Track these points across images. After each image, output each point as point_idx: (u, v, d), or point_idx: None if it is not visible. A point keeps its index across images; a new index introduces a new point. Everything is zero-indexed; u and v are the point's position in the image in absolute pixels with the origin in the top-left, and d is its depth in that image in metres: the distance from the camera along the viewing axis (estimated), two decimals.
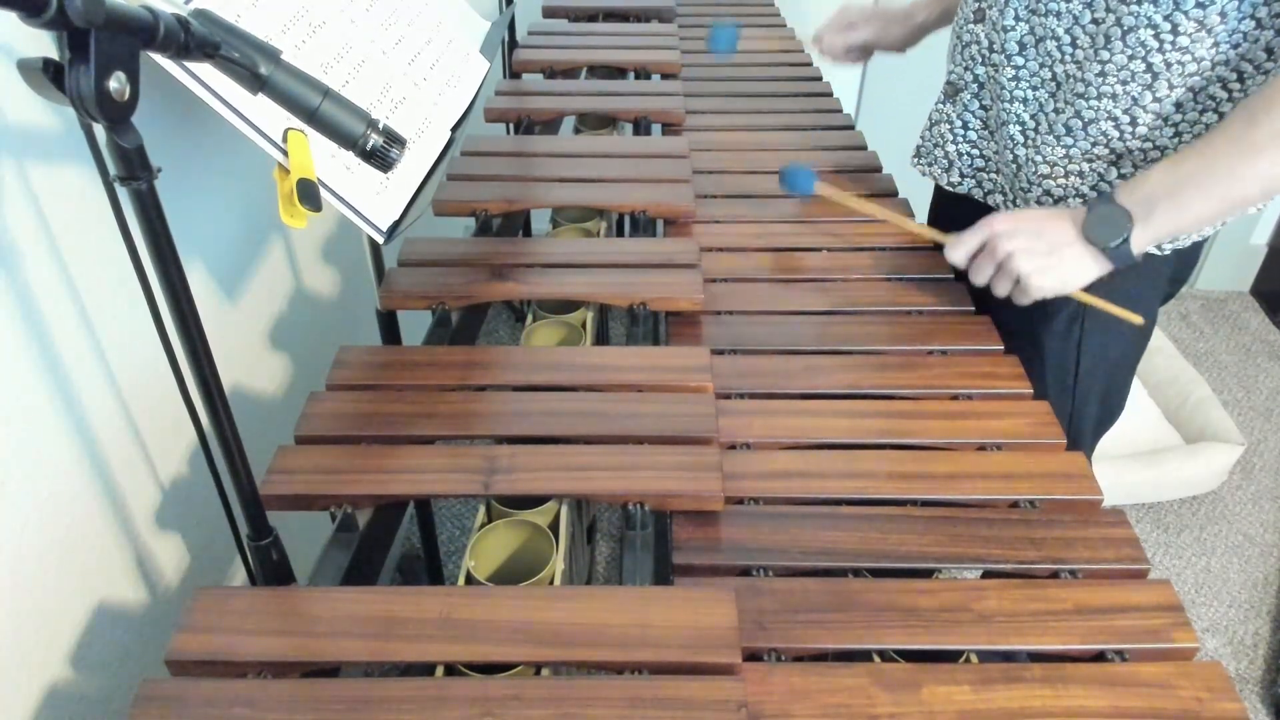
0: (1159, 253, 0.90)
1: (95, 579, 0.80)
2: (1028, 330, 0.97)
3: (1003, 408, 0.83)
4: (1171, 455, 1.81)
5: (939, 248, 0.92)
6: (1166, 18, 0.78)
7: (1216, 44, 0.78)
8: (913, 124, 1.17)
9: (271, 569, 0.67)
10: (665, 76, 1.52)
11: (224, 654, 0.59)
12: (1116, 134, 0.85)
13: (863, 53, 1.23)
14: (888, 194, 1.18)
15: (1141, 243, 0.80)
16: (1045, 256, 0.82)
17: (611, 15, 1.81)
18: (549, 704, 0.56)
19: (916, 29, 1.18)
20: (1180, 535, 1.79)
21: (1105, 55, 0.82)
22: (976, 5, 0.93)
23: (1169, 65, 0.80)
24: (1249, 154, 0.74)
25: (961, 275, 1.01)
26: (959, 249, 0.87)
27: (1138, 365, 1.05)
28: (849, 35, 1.21)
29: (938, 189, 1.09)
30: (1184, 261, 0.95)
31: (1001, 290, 0.86)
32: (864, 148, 1.30)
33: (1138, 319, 0.88)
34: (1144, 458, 1.80)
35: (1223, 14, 0.76)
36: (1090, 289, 0.92)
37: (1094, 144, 0.87)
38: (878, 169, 1.25)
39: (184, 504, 0.93)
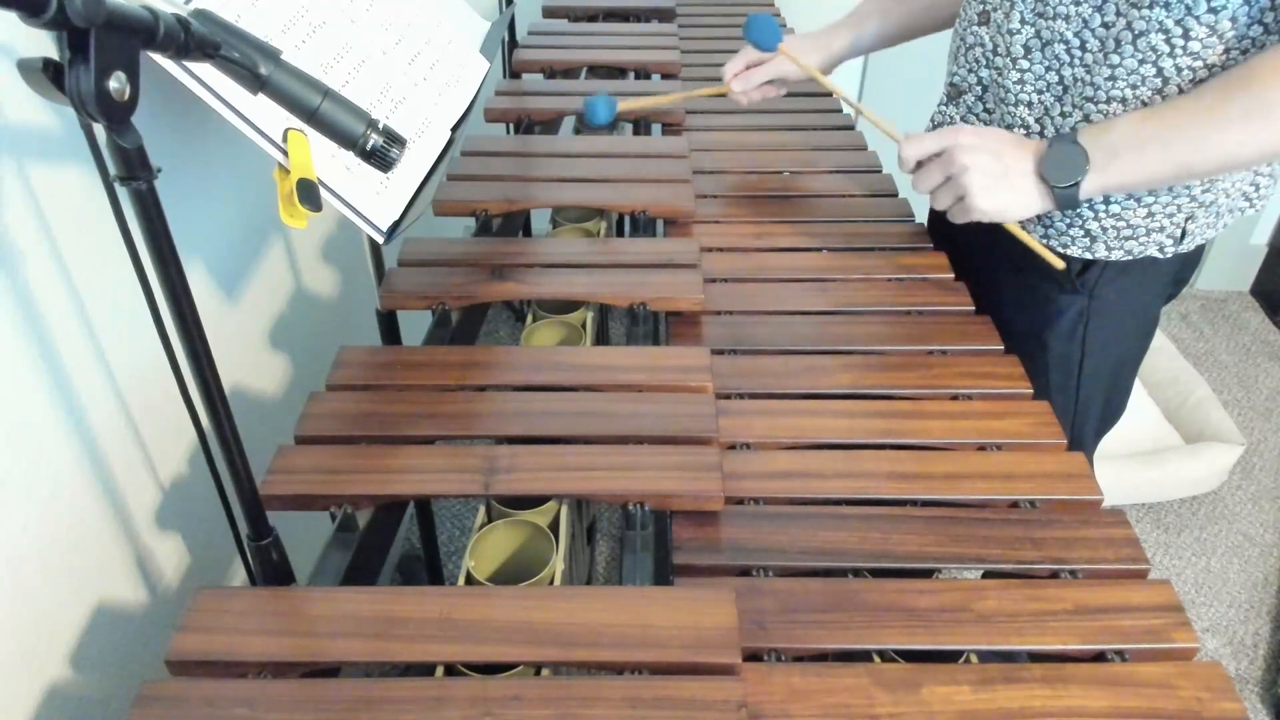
0: (1161, 255, 0.90)
1: (95, 579, 0.80)
2: (1032, 330, 0.97)
3: (1003, 408, 0.83)
4: (1171, 455, 1.81)
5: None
6: (1178, 22, 0.78)
7: (1226, 49, 0.77)
8: (913, 124, 1.16)
9: (271, 569, 0.67)
10: (665, 76, 1.53)
11: (224, 654, 0.59)
12: None
13: (774, 88, 1.17)
14: (888, 194, 1.18)
15: (1091, 189, 0.80)
16: (997, 179, 0.82)
17: (611, 15, 1.81)
18: (549, 704, 0.56)
19: (833, 56, 1.14)
20: (1180, 535, 1.79)
21: (1115, 59, 0.82)
22: (981, 7, 0.93)
23: (1179, 70, 0.80)
24: (1218, 126, 0.74)
25: (961, 275, 1.01)
26: (914, 146, 0.86)
27: (1139, 366, 1.05)
28: (755, 74, 1.14)
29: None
30: (1187, 262, 0.95)
31: (942, 202, 0.86)
32: (864, 148, 1.30)
33: (1060, 263, 0.89)
34: (1144, 458, 1.80)
35: (1233, 19, 0.76)
36: (1091, 279, 0.92)
37: None
38: (878, 169, 1.25)
39: (184, 504, 0.93)
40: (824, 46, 1.14)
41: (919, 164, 0.87)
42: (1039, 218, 0.92)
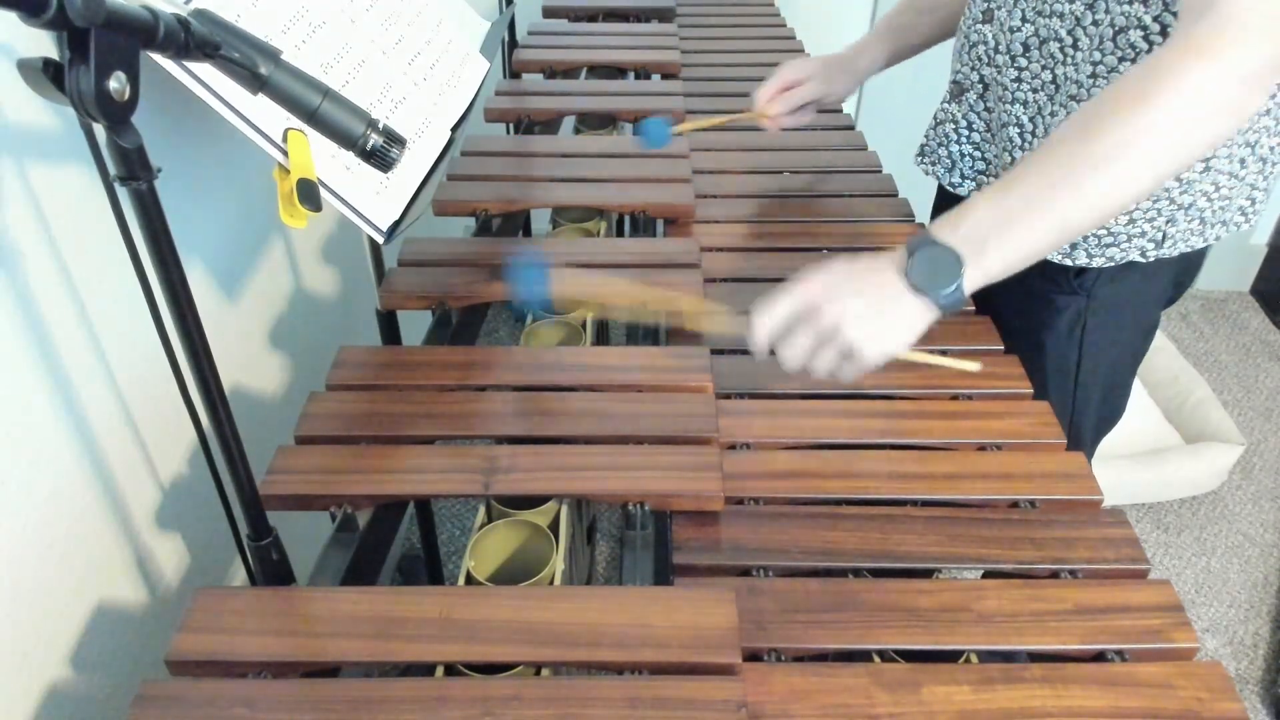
0: (1142, 260, 0.90)
1: (95, 579, 0.80)
2: (1029, 331, 0.97)
3: (1003, 408, 0.83)
4: (1171, 455, 1.81)
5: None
6: (1155, 18, 0.78)
7: None
8: (913, 124, 1.16)
9: (271, 569, 0.67)
10: (665, 76, 1.52)
11: (224, 654, 0.59)
12: None
13: (808, 111, 1.14)
14: (888, 194, 1.18)
15: (974, 283, 0.69)
16: (875, 317, 0.69)
17: (611, 15, 1.81)
18: (549, 704, 0.56)
19: (860, 76, 1.12)
20: (1180, 535, 1.79)
21: (1097, 56, 0.82)
22: (985, 5, 0.93)
23: None
24: (1082, 178, 0.65)
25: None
26: (763, 322, 0.70)
27: (1139, 368, 1.04)
28: (792, 96, 1.11)
29: (940, 189, 1.09)
30: (1188, 267, 0.95)
31: (824, 367, 0.71)
32: (864, 148, 1.30)
33: (974, 367, 0.78)
34: (1144, 458, 1.80)
35: None
36: (1089, 281, 0.91)
37: None
38: (878, 169, 1.25)
39: (184, 504, 0.93)
40: (852, 67, 1.11)
41: (780, 337, 0.71)
42: None
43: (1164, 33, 0.77)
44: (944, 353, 0.90)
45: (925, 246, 0.69)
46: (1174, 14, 0.76)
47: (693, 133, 1.28)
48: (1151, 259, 0.90)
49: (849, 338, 0.69)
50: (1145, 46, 0.79)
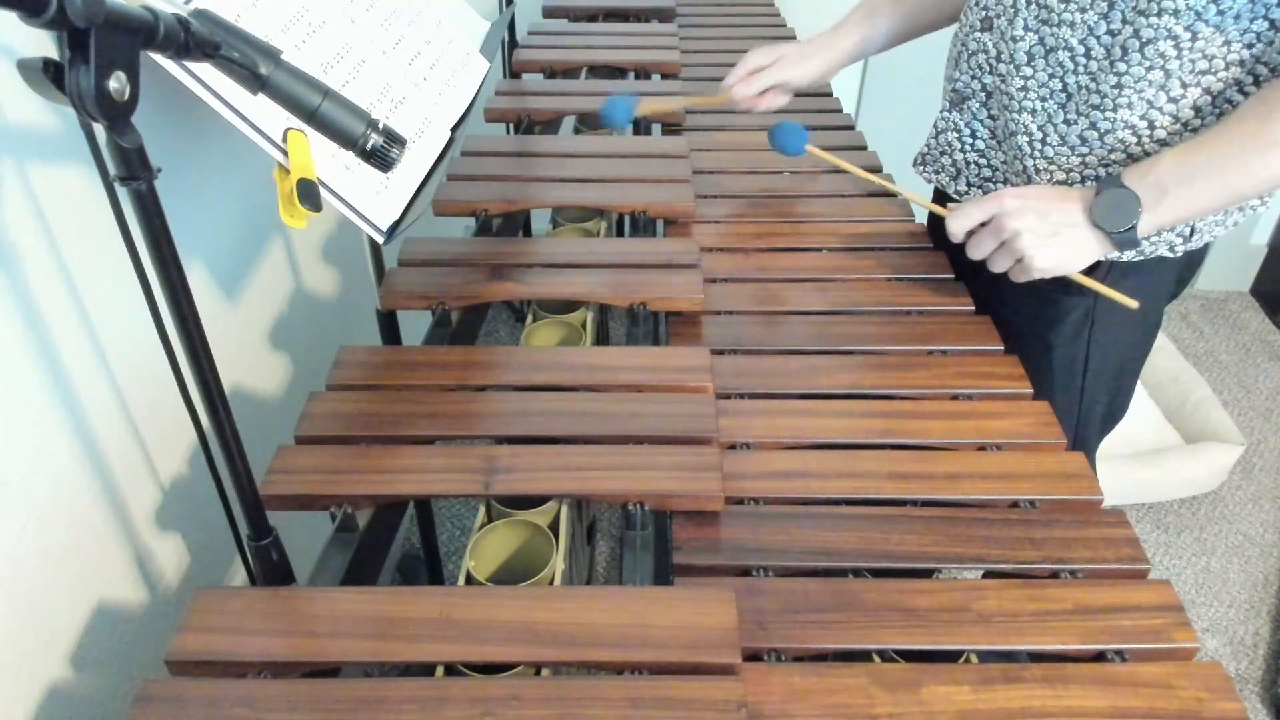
0: (1171, 255, 0.90)
1: (95, 579, 0.80)
2: (1035, 331, 0.97)
3: (1003, 408, 0.83)
4: (1171, 455, 1.81)
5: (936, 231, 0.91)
6: (1188, 28, 0.78)
7: (1228, 43, 0.77)
8: (913, 124, 1.17)
9: (271, 569, 0.67)
10: (665, 76, 1.53)
11: (224, 654, 0.59)
12: (1134, 140, 0.85)
13: (782, 94, 1.15)
14: (888, 194, 1.18)
15: (1147, 228, 0.79)
16: (1050, 237, 0.81)
17: (611, 15, 1.81)
18: (549, 704, 0.56)
19: (834, 58, 1.12)
20: (1180, 535, 1.79)
21: (1122, 68, 0.82)
22: (983, 13, 0.93)
23: (1183, 68, 0.80)
24: (1263, 148, 0.74)
25: (961, 275, 1.01)
26: (962, 219, 0.85)
27: (1143, 367, 1.05)
28: (760, 79, 1.12)
29: (938, 193, 1.09)
30: (1191, 262, 0.95)
31: (1000, 265, 0.85)
32: (864, 148, 1.30)
33: (1133, 303, 0.87)
34: (1144, 458, 1.80)
35: (1237, 17, 0.76)
36: (1097, 279, 0.91)
37: (1110, 151, 0.87)
38: (878, 169, 1.25)
39: (184, 504, 0.93)
40: (825, 49, 1.12)
41: (969, 234, 0.86)
42: None
43: (1194, 39, 0.78)
44: (944, 353, 0.91)
45: (1112, 188, 0.79)
46: (1205, 23, 0.76)
47: (655, 116, 1.31)
48: (1179, 253, 0.90)
49: (1024, 248, 0.82)
50: (1175, 54, 0.79)
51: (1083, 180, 0.90)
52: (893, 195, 1.14)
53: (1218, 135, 0.77)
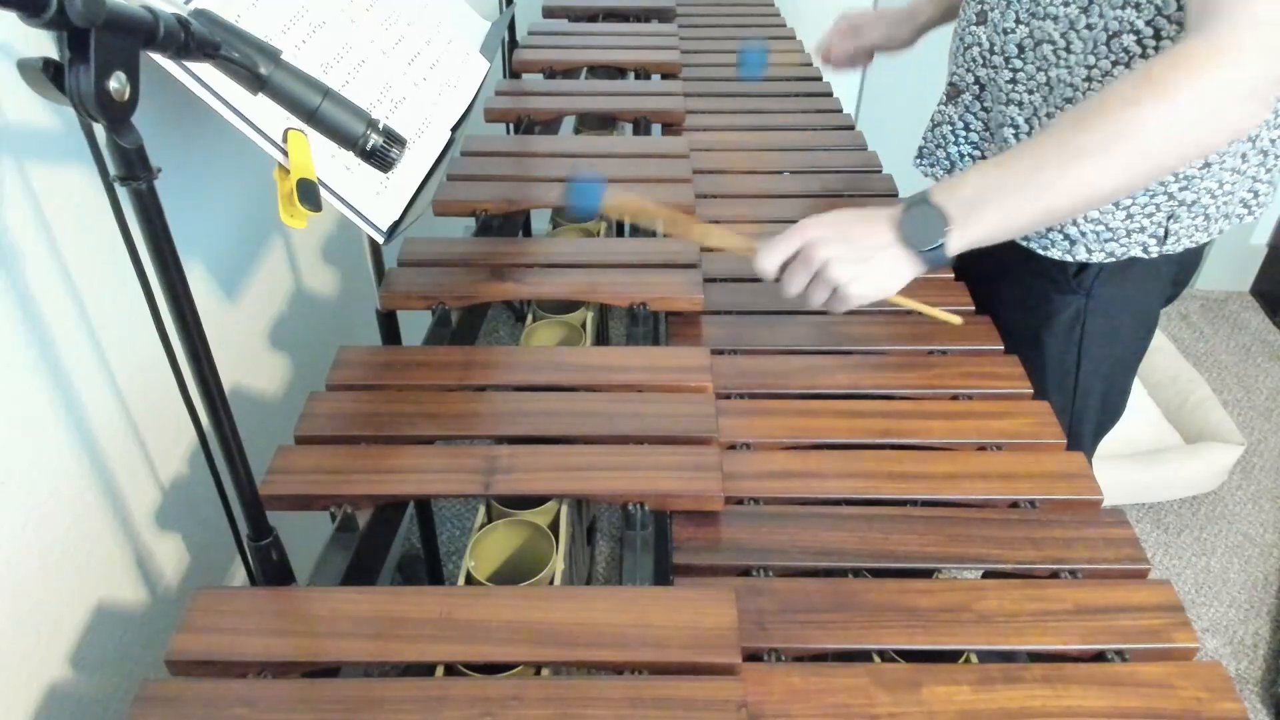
0: (1146, 256, 0.90)
1: (95, 579, 0.80)
2: (1029, 330, 0.97)
3: (1003, 408, 0.83)
4: (1171, 455, 1.81)
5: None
6: (1149, 23, 0.78)
7: None
8: (913, 124, 1.17)
9: (271, 569, 0.67)
10: (665, 76, 1.52)
11: (224, 654, 0.59)
12: None
13: (867, 56, 1.24)
14: (888, 195, 1.18)
15: (957, 246, 0.75)
16: (860, 263, 0.77)
17: (611, 15, 1.81)
18: (549, 704, 0.56)
19: (920, 28, 1.19)
20: (1180, 535, 1.79)
21: (1091, 60, 0.82)
22: (979, 7, 0.93)
23: None
24: (1072, 158, 0.70)
25: (961, 275, 1.01)
26: (771, 256, 0.79)
27: (1139, 366, 1.04)
28: (856, 41, 1.21)
29: None
30: (1186, 264, 0.95)
31: (818, 299, 0.79)
32: (864, 148, 1.30)
33: (956, 320, 0.85)
34: (1144, 458, 1.80)
35: None
36: (1088, 279, 0.91)
37: None
38: (878, 169, 1.25)
39: (184, 504, 0.93)
40: (909, 20, 1.18)
41: (782, 268, 0.80)
42: None
43: (1157, 37, 0.78)
44: (944, 353, 0.90)
45: (919, 205, 0.76)
46: (1167, 18, 0.76)
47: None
48: (1155, 255, 0.90)
49: (835, 278, 0.77)
50: (1139, 51, 0.79)
51: None
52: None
53: (1029, 147, 0.73)
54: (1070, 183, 0.70)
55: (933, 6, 1.17)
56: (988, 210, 0.73)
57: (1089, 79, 0.83)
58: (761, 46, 1.38)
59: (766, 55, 1.35)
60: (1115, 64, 0.80)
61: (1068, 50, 0.84)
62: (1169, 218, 0.87)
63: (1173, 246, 0.89)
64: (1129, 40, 0.79)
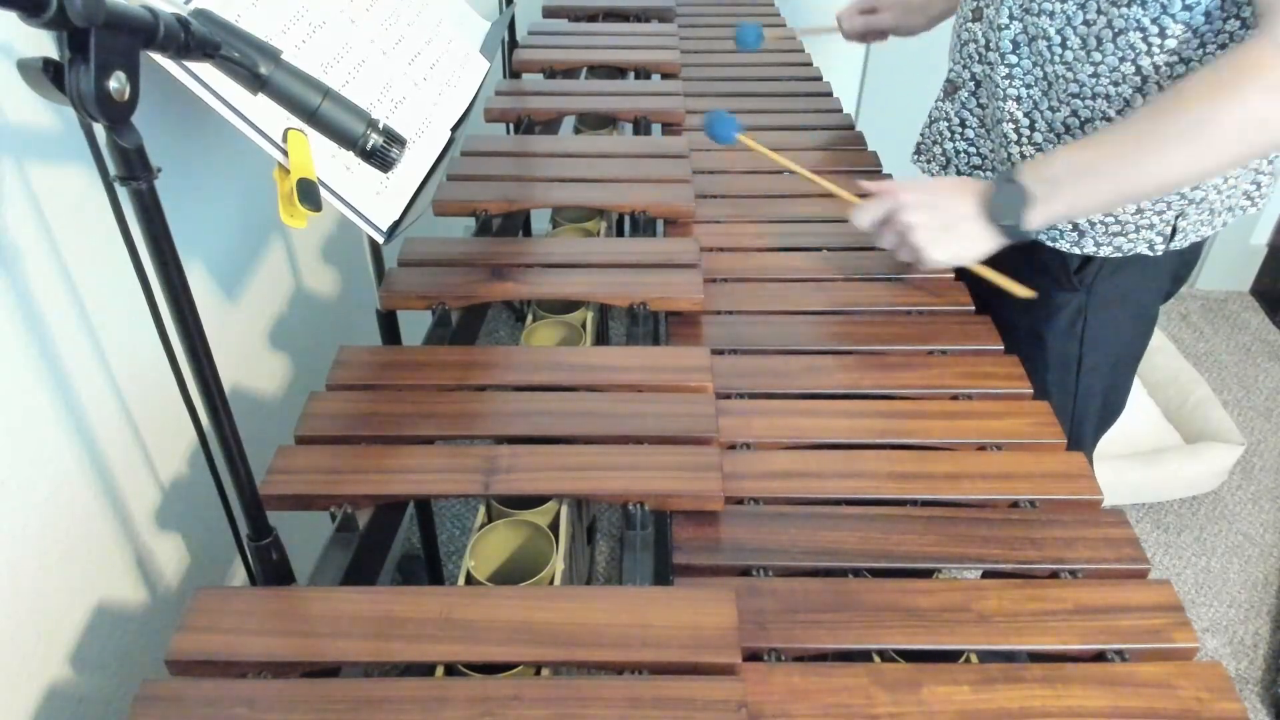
0: (1151, 254, 0.90)
1: (95, 579, 0.80)
2: (1030, 328, 0.97)
3: (1003, 408, 0.83)
4: (1171, 455, 1.81)
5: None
6: (1154, 20, 0.78)
7: (1203, 45, 0.78)
8: (913, 123, 1.17)
9: (271, 569, 0.67)
10: (665, 76, 1.52)
11: (224, 654, 0.59)
12: None
13: (880, 35, 1.29)
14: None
15: (1037, 222, 0.81)
16: (942, 231, 0.84)
17: (611, 15, 1.81)
18: (549, 704, 0.56)
19: (933, 19, 1.23)
20: (1180, 535, 1.79)
21: (1098, 57, 0.82)
22: (975, 3, 0.94)
23: (1158, 68, 0.80)
24: (1154, 150, 0.74)
25: (961, 275, 1.01)
26: (864, 215, 0.88)
27: (1139, 364, 1.05)
28: (871, 20, 1.26)
29: None
30: (1185, 260, 0.95)
31: (904, 257, 0.89)
32: (864, 147, 1.30)
33: (1029, 293, 0.89)
34: (1144, 458, 1.80)
35: (1207, 14, 0.76)
36: (1089, 275, 0.92)
37: None
38: (878, 169, 1.25)
39: (184, 504, 0.93)
40: (922, 8, 1.22)
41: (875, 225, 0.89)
42: None
43: (1162, 34, 0.78)
44: (944, 353, 0.91)
45: (1007, 182, 0.81)
46: (1171, 17, 0.77)
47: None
48: (1160, 253, 0.90)
49: (916, 242, 0.85)
50: (1145, 48, 0.79)
51: None
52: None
53: (1113, 132, 0.78)
54: (1151, 170, 0.75)
55: (945, 1, 1.19)
56: (1070, 190, 0.78)
57: (1096, 75, 0.83)
58: (756, 23, 1.48)
59: (761, 28, 1.45)
60: (1123, 60, 0.81)
61: (1064, 46, 0.84)
62: (1178, 215, 0.87)
63: (1180, 243, 0.90)
64: (1135, 38, 0.79)
